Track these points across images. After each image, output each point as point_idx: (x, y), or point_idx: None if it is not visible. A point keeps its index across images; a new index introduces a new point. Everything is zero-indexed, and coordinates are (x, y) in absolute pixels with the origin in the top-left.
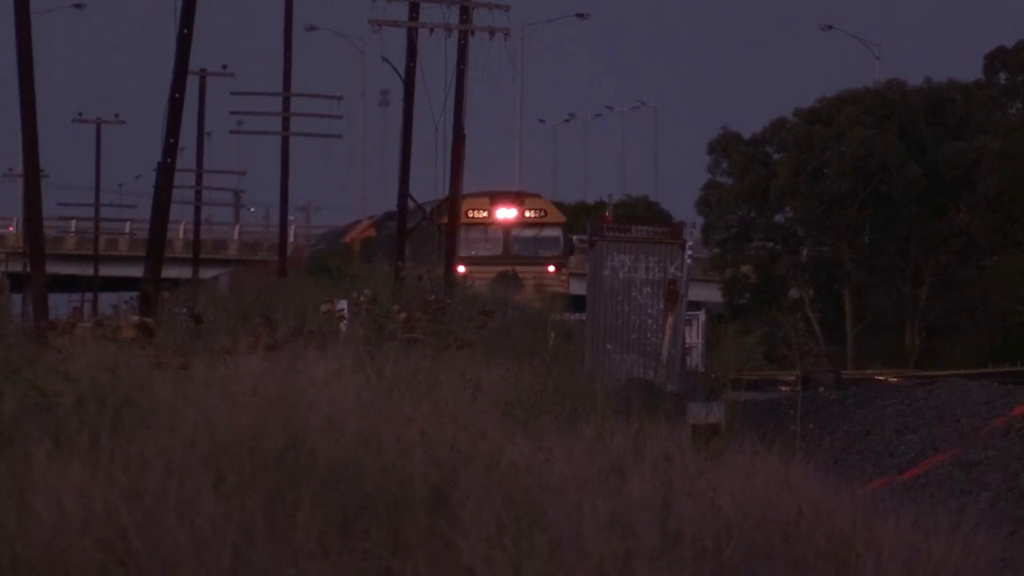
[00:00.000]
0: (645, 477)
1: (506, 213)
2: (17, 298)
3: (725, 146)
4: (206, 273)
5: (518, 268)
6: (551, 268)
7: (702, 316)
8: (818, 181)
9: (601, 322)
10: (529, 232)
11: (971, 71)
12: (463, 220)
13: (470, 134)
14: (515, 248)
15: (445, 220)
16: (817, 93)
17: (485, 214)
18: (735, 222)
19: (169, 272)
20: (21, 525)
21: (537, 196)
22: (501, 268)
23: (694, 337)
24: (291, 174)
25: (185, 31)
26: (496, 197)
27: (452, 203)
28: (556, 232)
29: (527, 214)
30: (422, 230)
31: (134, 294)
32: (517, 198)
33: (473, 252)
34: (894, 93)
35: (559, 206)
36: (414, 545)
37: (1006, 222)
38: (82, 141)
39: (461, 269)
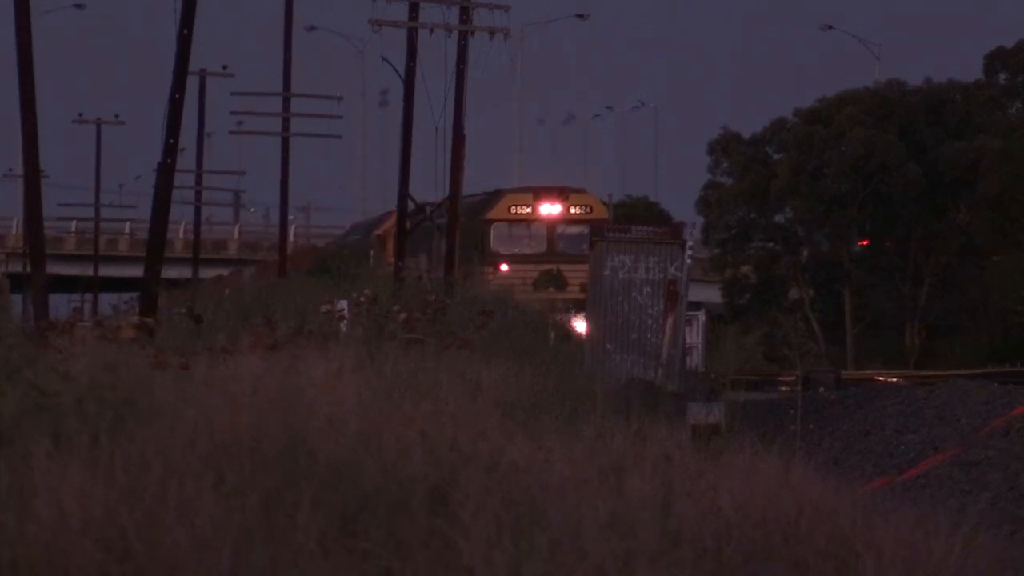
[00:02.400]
0: (645, 477)
1: (550, 209)
2: (17, 298)
3: (725, 146)
4: (206, 273)
5: (563, 266)
6: None
7: (702, 316)
8: (818, 181)
9: (601, 322)
10: (574, 229)
11: (971, 71)
12: (506, 216)
13: (470, 134)
14: (560, 245)
15: (487, 216)
16: (817, 93)
17: (528, 210)
18: (735, 222)
19: (169, 272)
20: (21, 525)
21: (582, 191)
22: (545, 266)
23: (694, 337)
24: (291, 174)
25: (185, 31)
26: (540, 192)
27: (452, 203)
28: None
29: (572, 210)
30: (462, 229)
31: (134, 294)
32: (561, 194)
33: (516, 250)
34: (894, 93)
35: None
36: (414, 545)
37: (1006, 222)
38: (82, 141)
39: (504, 267)
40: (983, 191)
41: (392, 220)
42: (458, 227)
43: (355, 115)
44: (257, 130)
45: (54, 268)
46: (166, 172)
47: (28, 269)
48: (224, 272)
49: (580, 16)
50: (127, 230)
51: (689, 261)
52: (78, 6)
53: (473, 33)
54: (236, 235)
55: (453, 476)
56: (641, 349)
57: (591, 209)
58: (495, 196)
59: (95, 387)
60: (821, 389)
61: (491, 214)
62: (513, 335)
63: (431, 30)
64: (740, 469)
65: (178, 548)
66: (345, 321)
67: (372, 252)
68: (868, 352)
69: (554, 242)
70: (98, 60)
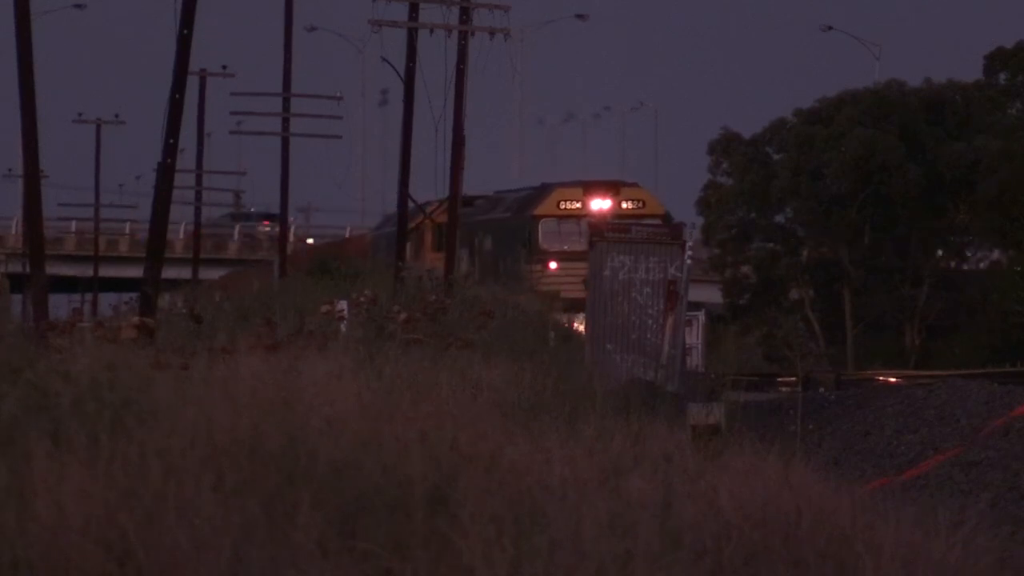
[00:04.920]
0: (645, 478)
1: (601, 204)
2: (17, 298)
3: (725, 146)
4: (206, 273)
5: None
6: None
7: (702, 317)
8: (818, 182)
9: (601, 322)
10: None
11: (971, 71)
12: (555, 212)
13: (470, 134)
14: None
15: (535, 212)
16: (817, 93)
17: (578, 205)
18: (735, 222)
19: (169, 272)
20: (21, 525)
21: (635, 185)
22: None
23: (694, 338)
24: (291, 174)
25: (185, 31)
26: (590, 187)
27: (452, 203)
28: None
29: (623, 205)
30: (508, 225)
31: (134, 295)
32: (613, 188)
33: (565, 247)
34: (894, 93)
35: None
36: (414, 545)
37: (1006, 222)
38: (82, 141)
39: (552, 265)
40: (983, 191)
41: (430, 211)
42: (500, 224)
43: (355, 115)
44: (257, 130)
45: (54, 269)
46: (166, 172)
47: (28, 269)
48: (220, 272)
49: (580, 17)
50: (127, 231)
51: (689, 261)
52: (78, 6)
53: (473, 33)
54: (236, 235)
55: (453, 476)
56: (641, 349)
57: (644, 204)
58: (543, 191)
59: (94, 387)
60: (821, 389)
61: (539, 210)
62: (513, 335)
63: (431, 30)
64: (740, 469)
65: (178, 548)
66: (345, 322)
67: (408, 244)
68: (868, 352)
69: None
70: (98, 60)
